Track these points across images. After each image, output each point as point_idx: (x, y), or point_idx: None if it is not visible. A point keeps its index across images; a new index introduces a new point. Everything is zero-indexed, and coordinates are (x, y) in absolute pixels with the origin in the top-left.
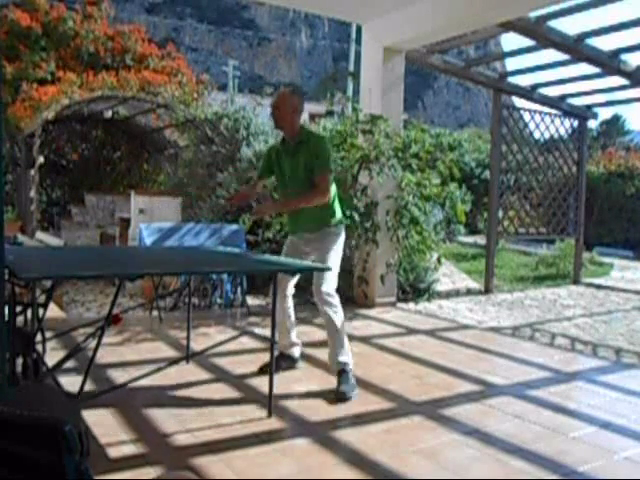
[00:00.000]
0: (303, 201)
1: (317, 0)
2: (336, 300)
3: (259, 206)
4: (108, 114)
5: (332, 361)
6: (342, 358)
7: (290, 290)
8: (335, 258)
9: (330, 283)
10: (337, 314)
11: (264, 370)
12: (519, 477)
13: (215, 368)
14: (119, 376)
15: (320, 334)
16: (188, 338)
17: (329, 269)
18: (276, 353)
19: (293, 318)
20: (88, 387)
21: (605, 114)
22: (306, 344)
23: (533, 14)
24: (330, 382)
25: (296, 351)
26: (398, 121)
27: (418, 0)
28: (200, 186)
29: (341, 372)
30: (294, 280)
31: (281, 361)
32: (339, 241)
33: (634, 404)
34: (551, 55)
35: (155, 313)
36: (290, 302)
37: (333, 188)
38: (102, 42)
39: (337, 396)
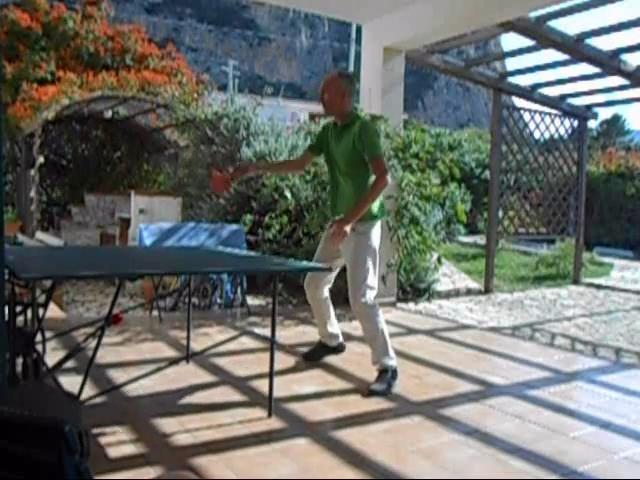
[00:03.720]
0: (369, 198)
1: (317, 0)
2: (376, 310)
3: (330, 231)
4: (108, 114)
5: (376, 362)
6: (384, 361)
7: (325, 282)
8: (367, 265)
9: (369, 292)
10: (377, 323)
11: (308, 358)
12: (519, 477)
13: (215, 368)
14: (119, 376)
15: None
16: (188, 338)
17: (329, 269)
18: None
19: (331, 310)
20: (88, 387)
21: (605, 114)
22: (306, 344)
23: (533, 14)
24: (330, 382)
25: (334, 341)
26: (398, 121)
27: (418, 0)
28: (200, 186)
29: (381, 372)
30: (334, 273)
31: (319, 350)
32: (371, 243)
33: (634, 404)
34: (551, 55)
35: (155, 313)
36: (326, 293)
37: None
38: (102, 42)
39: (368, 391)
